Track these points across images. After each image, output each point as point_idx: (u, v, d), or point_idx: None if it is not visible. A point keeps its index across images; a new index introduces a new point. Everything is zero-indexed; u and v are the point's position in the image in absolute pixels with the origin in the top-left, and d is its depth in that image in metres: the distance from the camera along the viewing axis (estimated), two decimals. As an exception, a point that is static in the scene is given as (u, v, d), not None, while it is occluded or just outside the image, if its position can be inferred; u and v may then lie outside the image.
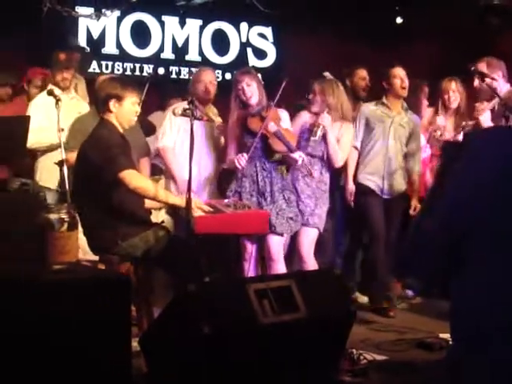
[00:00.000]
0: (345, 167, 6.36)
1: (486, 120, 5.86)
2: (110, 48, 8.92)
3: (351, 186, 6.39)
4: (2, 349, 3.37)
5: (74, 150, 5.50)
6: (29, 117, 5.59)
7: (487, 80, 5.84)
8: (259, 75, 6.12)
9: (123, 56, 8.98)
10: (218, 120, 6.32)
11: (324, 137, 5.90)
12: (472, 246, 1.77)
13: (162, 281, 4.93)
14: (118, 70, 8.92)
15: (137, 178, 4.64)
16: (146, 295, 4.92)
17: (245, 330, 3.60)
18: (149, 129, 6.60)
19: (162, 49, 9.23)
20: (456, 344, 1.91)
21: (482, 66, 5.98)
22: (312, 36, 9.32)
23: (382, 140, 6.34)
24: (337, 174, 6.37)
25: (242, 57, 9.64)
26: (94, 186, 4.66)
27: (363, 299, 6.72)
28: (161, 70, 9.17)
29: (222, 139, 6.17)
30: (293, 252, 6.10)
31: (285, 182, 5.70)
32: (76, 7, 8.23)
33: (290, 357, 3.77)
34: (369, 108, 6.47)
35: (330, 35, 9.37)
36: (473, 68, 5.89)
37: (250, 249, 5.74)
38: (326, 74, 6.90)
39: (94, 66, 8.75)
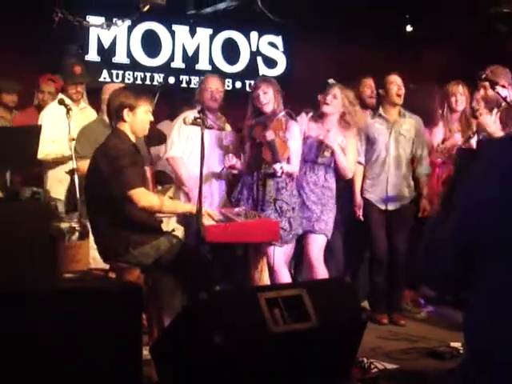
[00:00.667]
0: (352, 182, 6.39)
1: (489, 123, 5.86)
2: (120, 57, 8.95)
3: (359, 201, 6.40)
4: (14, 358, 3.38)
5: (82, 158, 5.53)
6: (40, 126, 5.60)
7: (498, 88, 5.83)
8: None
9: (134, 65, 9.01)
10: (227, 128, 6.33)
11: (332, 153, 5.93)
12: (482, 256, 1.77)
13: (172, 289, 4.93)
14: (129, 79, 8.95)
15: (145, 197, 4.65)
16: (156, 304, 4.93)
17: (256, 338, 3.60)
18: (160, 137, 6.61)
19: (172, 58, 9.25)
20: (467, 354, 1.91)
21: (492, 74, 5.97)
22: (322, 45, 9.32)
23: (384, 152, 6.35)
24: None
25: (252, 66, 9.65)
26: (105, 195, 4.67)
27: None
28: (171, 79, 9.19)
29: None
30: (302, 260, 6.11)
31: (281, 192, 5.68)
32: (87, 17, 8.26)
33: (301, 366, 3.76)
34: (367, 122, 6.47)
35: (340, 44, 9.37)
36: (484, 76, 5.88)
37: (260, 256, 5.75)
38: (331, 80, 6.90)
39: (104, 75, 8.78)
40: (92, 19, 8.35)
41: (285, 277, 5.67)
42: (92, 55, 8.74)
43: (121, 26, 8.33)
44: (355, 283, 6.41)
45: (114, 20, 8.09)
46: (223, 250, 5.24)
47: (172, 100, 7.72)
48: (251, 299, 3.64)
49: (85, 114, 6.44)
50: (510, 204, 1.72)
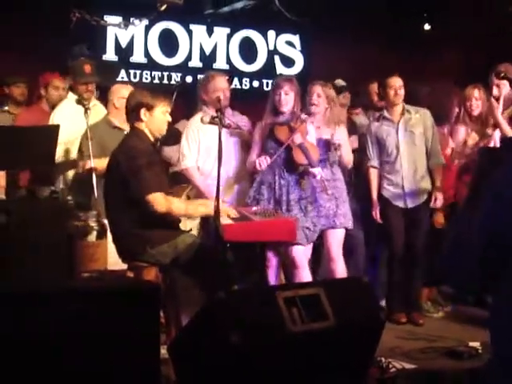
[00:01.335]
0: (368, 186, 6.42)
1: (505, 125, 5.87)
2: (138, 57, 8.96)
3: (376, 203, 6.43)
4: (31, 357, 3.39)
5: (88, 157, 5.54)
6: (58, 126, 5.61)
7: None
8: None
9: (151, 64, 9.02)
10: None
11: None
12: (508, 256, 1.74)
13: (190, 288, 4.93)
14: (146, 78, 8.96)
15: (162, 203, 4.65)
16: (174, 303, 4.93)
17: (274, 338, 3.59)
18: (177, 137, 6.62)
19: (189, 57, 9.25)
20: (493, 356, 1.89)
21: (508, 72, 5.96)
22: (339, 43, 9.31)
23: (395, 151, 6.36)
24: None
25: (269, 65, 9.64)
26: (124, 194, 4.68)
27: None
28: (188, 79, 9.19)
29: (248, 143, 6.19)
30: (319, 256, 6.12)
31: (303, 192, 5.70)
32: (104, 16, 8.28)
33: (319, 365, 3.75)
34: (374, 125, 6.50)
35: (358, 42, 9.34)
36: (502, 74, 5.86)
37: (272, 257, 5.76)
38: (338, 81, 6.90)
39: (122, 75, 8.79)
40: (109, 19, 8.37)
41: (307, 275, 5.69)
42: (109, 55, 8.76)
43: (138, 26, 8.35)
44: (373, 282, 6.44)
45: (132, 19, 8.11)
46: (241, 249, 5.23)
47: (189, 99, 7.73)
48: (269, 298, 3.63)
49: (96, 111, 6.40)
50: None
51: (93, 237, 4.52)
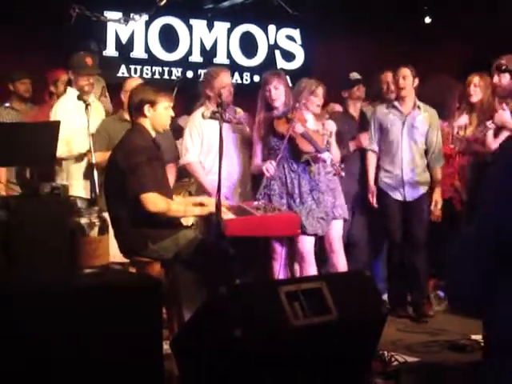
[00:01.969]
0: (365, 171, 6.43)
1: (506, 115, 5.86)
2: (138, 52, 8.96)
3: (373, 188, 6.44)
4: (33, 352, 3.39)
5: (95, 151, 5.54)
6: (59, 122, 5.60)
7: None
8: (287, 77, 6.08)
9: (152, 60, 9.02)
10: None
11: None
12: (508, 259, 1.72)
13: (192, 283, 4.93)
14: (147, 73, 8.95)
15: (154, 203, 4.66)
16: (176, 298, 4.94)
17: (276, 332, 3.59)
18: (179, 132, 6.62)
19: (190, 52, 9.24)
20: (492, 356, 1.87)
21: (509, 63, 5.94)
22: (340, 38, 9.30)
23: (396, 143, 6.36)
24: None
25: (270, 59, 9.63)
26: (124, 190, 4.69)
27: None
28: (189, 74, 9.19)
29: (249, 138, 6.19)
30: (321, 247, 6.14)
31: (313, 182, 5.72)
32: (104, 12, 8.27)
33: (322, 359, 3.75)
34: (381, 111, 6.49)
35: (358, 36, 9.34)
36: (504, 67, 5.85)
37: (280, 250, 5.76)
38: (353, 74, 6.89)
39: (122, 70, 8.79)
40: (109, 14, 8.37)
41: (314, 267, 5.71)
42: (110, 50, 8.75)
43: (138, 21, 8.34)
44: (376, 276, 6.44)
45: (132, 15, 8.11)
46: (243, 244, 5.23)
47: (190, 94, 7.73)
48: (271, 293, 3.63)
49: (94, 107, 6.39)
50: None
51: (95, 232, 4.50)
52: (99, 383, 3.55)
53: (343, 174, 5.73)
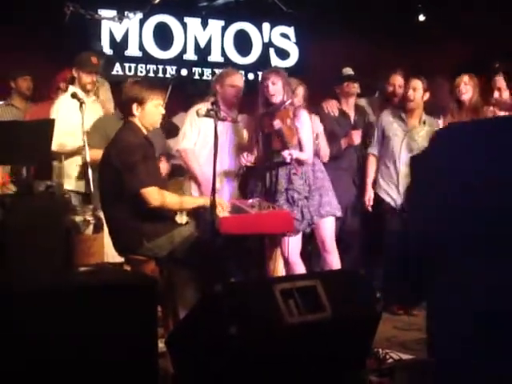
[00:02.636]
0: (364, 174, 6.44)
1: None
2: (132, 50, 8.96)
3: (370, 192, 6.44)
4: (31, 349, 3.39)
5: (91, 148, 5.55)
6: (53, 120, 5.61)
7: None
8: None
9: (146, 58, 9.02)
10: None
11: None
12: (444, 257, 1.70)
13: (187, 281, 4.94)
14: (141, 71, 8.95)
15: (155, 196, 4.67)
16: (171, 296, 4.94)
17: (271, 329, 3.60)
18: (172, 130, 6.62)
19: (184, 50, 9.25)
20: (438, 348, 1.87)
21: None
22: (334, 35, 9.30)
23: (395, 153, 6.36)
24: None
25: (264, 57, 9.64)
26: (118, 188, 4.69)
27: None
28: (183, 72, 9.18)
29: (245, 138, 6.20)
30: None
31: (290, 182, 5.68)
32: (99, 10, 8.27)
33: (316, 356, 3.76)
34: (387, 119, 6.49)
35: (353, 34, 9.35)
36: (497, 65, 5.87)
37: (275, 248, 5.76)
38: (346, 69, 6.88)
39: (117, 69, 8.79)
40: (104, 12, 8.36)
41: (299, 266, 5.70)
42: (104, 48, 8.74)
43: (133, 19, 8.33)
44: (371, 274, 6.45)
45: (126, 13, 8.09)
46: (237, 242, 5.23)
47: (186, 92, 7.73)
48: (266, 290, 3.64)
49: (94, 107, 6.42)
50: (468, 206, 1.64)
51: (89, 231, 4.51)
52: (94, 381, 3.55)
53: (300, 171, 5.70)
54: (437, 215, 1.61)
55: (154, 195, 4.65)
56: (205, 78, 9.17)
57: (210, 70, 9.21)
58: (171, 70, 9.09)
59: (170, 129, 6.50)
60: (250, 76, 9.50)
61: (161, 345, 4.02)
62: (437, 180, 1.62)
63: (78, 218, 4.47)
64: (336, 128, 6.57)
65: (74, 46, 7.53)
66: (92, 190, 5.35)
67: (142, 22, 8.91)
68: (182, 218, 5.60)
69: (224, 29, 9.47)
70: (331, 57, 8.98)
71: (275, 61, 9.66)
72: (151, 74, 8.99)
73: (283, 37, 9.79)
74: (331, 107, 6.67)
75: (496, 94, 6.03)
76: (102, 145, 5.67)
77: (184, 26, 9.23)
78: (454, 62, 8.79)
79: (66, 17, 7.04)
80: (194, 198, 4.99)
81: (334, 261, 5.93)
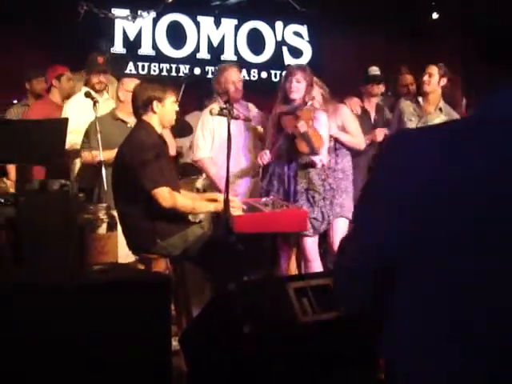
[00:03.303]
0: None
1: None
2: (146, 49, 8.98)
3: None
4: (45, 347, 3.40)
5: (91, 149, 5.56)
6: (67, 119, 5.63)
7: None
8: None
9: (159, 57, 9.04)
10: (252, 109, 6.31)
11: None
12: (400, 274, 1.67)
13: (200, 280, 4.95)
14: (155, 70, 8.98)
15: (167, 198, 4.67)
16: (185, 294, 4.94)
17: (284, 328, 3.60)
18: (186, 129, 6.63)
19: (197, 49, 9.27)
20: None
21: None
22: (347, 33, 9.29)
23: None
24: None
25: (277, 55, 9.64)
26: (132, 187, 4.69)
27: None
28: (197, 70, 9.19)
29: (259, 134, 6.18)
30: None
31: (312, 182, 5.65)
32: (112, 9, 8.29)
33: (330, 355, 3.76)
34: (404, 102, 6.48)
35: (365, 33, 9.33)
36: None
37: (288, 246, 5.75)
38: (372, 68, 6.85)
39: (130, 67, 8.82)
40: (117, 11, 8.39)
41: (318, 266, 5.67)
42: (118, 47, 8.78)
43: (146, 18, 8.36)
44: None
45: (139, 12, 8.12)
46: (251, 241, 5.23)
47: (199, 91, 7.73)
48: (280, 289, 3.63)
49: (108, 105, 6.44)
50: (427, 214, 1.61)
51: (103, 229, 4.52)
52: (107, 379, 3.56)
53: (330, 180, 5.70)
54: (411, 217, 1.58)
55: (166, 197, 4.65)
56: (214, 76, 9.16)
57: (223, 69, 9.22)
58: (184, 69, 9.11)
59: (183, 127, 6.49)
60: (264, 74, 9.51)
61: (174, 343, 4.03)
62: (402, 180, 1.59)
63: (92, 217, 4.48)
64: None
65: (87, 46, 7.56)
66: (105, 188, 5.35)
67: (155, 21, 8.93)
68: (195, 217, 5.61)
69: (237, 27, 9.48)
70: (344, 55, 8.98)
71: (288, 59, 9.66)
72: (164, 73, 9.01)
73: (296, 35, 9.79)
74: (354, 105, 6.63)
75: None
76: (104, 145, 5.66)
77: (197, 24, 9.25)
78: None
79: (79, 16, 7.07)
80: (207, 204, 4.97)
81: None
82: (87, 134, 5.91)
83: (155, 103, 4.78)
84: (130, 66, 8.84)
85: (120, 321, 3.56)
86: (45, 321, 3.40)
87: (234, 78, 6.07)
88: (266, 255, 5.91)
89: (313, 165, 5.59)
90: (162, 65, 9.06)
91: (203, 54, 9.32)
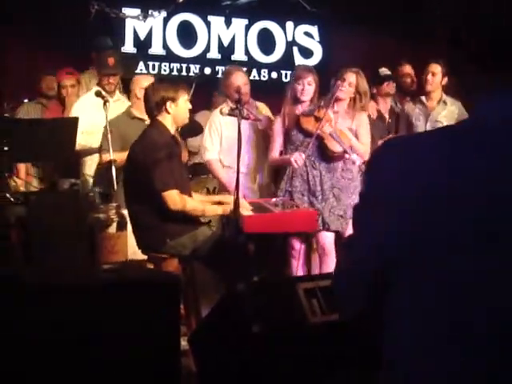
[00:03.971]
0: None
1: None
2: (156, 49, 8.98)
3: None
4: (56, 345, 3.41)
5: (109, 151, 5.56)
6: (77, 118, 5.64)
7: None
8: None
9: (170, 56, 9.04)
10: (263, 110, 6.30)
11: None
12: (399, 276, 1.66)
13: (210, 280, 4.95)
14: (165, 70, 8.97)
15: (175, 201, 4.69)
16: (194, 294, 4.95)
17: (294, 329, 3.59)
18: (196, 128, 6.62)
19: (208, 49, 9.26)
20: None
21: None
22: (358, 34, 9.28)
23: None
24: None
25: (288, 56, 9.63)
26: (142, 187, 4.70)
27: None
28: (207, 70, 9.19)
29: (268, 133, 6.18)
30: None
31: (334, 180, 5.67)
32: (123, 8, 8.30)
33: (339, 356, 3.75)
34: (409, 106, 6.51)
35: (376, 33, 9.31)
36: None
37: (298, 247, 5.74)
38: (383, 69, 6.85)
39: (140, 67, 8.82)
40: (128, 11, 8.40)
41: (334, 259, 5.66)
42: (128, 47, 8.78)
43: (157, 18, 8.37)
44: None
45: (150, 11, 8.14)
46: (261, 241, 5.23)
47: (209, 91, 7.74)
48: (289, 289, 3.63)
49: (119, 106, 6.44)
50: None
51: (113, 228, 4.52)
52: (116, 379, 3.56)
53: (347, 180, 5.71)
54: (411, 219, 1.58)
55: (175, 200, 4.66)
56: (221, 79, 9.16)
57: (233, 69, 9.22)
58: (195, 69, 9.10)
59: (193, 127, 6.49)
60: (274, 75, 9.50)
61: (183, 343, 4.03)
62: (401, 185, 1.59)
63: (102, 216, 4.48)
64: (373, 130, 6.50)
65: (94, 46, 7.57)
66: (115, 188, 5.35)
67: (165, 21, 8.92)
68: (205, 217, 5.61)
69: (248, 27, 9.46)
70: (355, 55, 8.94)
71: (299, 59, 9.65)
72: (175, 73, 9.01)
73: (307, 35, 9.77)
74: (371, 109, 6.63)
75: None
76: (121, 145, 5.67)
77: (208, 24, 9.24)
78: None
79: (91, 15, 7.08)
80: (215, 208, 4.98)
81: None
82: (102, 136, 5.92)
83: (169, 103, 4.79)
84: (141, 65, 8.83)
85: (128, 320, 3.57)
86: (51, 319, 3.41)
87: (240, 82, 6.06)
88: (276, 255, 5.91)
89: (352, 163, 5.61)
90: (172, 64, 9.05)
91: (213, 53, 9.32)
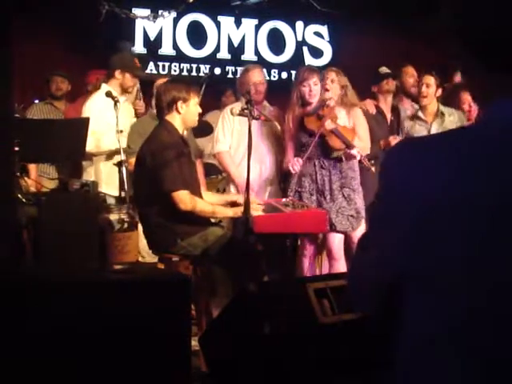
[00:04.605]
0: None
1: None
2: (166, 49, 8.99)
3: None
4: (65, 345, 3.42)
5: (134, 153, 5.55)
6: (88, 119, 5.63)
7: None
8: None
9: (180, 57, 9.05)
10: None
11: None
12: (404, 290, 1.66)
13: (220, 280, 4.95)
14: (175, 70, 8.99)
15: (185, 202, 4.69)
16: (205, 294, 4.95)
17: (304, 329, 3.59)
18: (206, 129, 6.62)
19: (218, 49, 9.27)
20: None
21: None
22: (368, 34, 9.27)
23: None
24: None
25: (298, 56, 9.63)
26: (152, 187, 4.70)
27: None
28: (217, 70, 9.20)
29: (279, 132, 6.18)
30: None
31: (344, 179, 5.65)
32: (133, 9, 8.31)
33: (350, 357, 3.74)
34: (408, 124, 6.47)
35: (386, 33, 9.30)
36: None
37: (308, 247, 5.74)
38: (383, 68, 6.86)
39: (151, 67, 8.83)
40: (138, 11, 8.41)
41: (344, 264, 5.66)
42: (138, 47, 8.80)
43: (167, 18, 8.38)
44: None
45: (160, 12, 8.14)
46: (271, 241, 5.23)
47: (219, 91, 7.74)
48: (300, 290, 3.62)
49: (126, 107, 6.42)
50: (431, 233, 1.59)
51: (124, 229, 4.52)
52: (126, 377, 3.57)
53: (373, 168, 5.67)
54: (421, 232, 1.58)
55: (185, 200, 4.67)
56: (238, 76, 9.17)
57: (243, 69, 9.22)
58: (205, 69, 9.11)
59: (203, 127, 6.49)
60: (284, 75, 9.50)
61: (194, 343, 4.03)
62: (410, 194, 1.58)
63: (113, 216, 4.48)
64: (375, 127, 6.48)
65: (108, 45, 7.59)
66: (126, 188, 5.36)
67: (175, 21, 8.94)
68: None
69: (257, 27, 9.47)
70: (365, 55, 8.94)
71: (309, 59, 9.65)
72: (185, 73, 9.02)
73: (317, 35, 9.77)
74: (369, 106, 6.62)
75: None
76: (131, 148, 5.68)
77: (217, 24, 9.25)
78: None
79: (101, 16, 7.09)
80: (226, 210, 4.98)
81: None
82: (133, 136, 5.92)
83: (180, 103, 4.80)
84: (151, 65, 8.84)
85: (139, 320, 3.57)
86: (62, 318, 3.42)
87: (256, 79, 6.08)
88: (287, 255, 5.90)
89: (352, 158, 5.59)
90: (182, 65, 9.07)
91: (223, 53, 9.33)
